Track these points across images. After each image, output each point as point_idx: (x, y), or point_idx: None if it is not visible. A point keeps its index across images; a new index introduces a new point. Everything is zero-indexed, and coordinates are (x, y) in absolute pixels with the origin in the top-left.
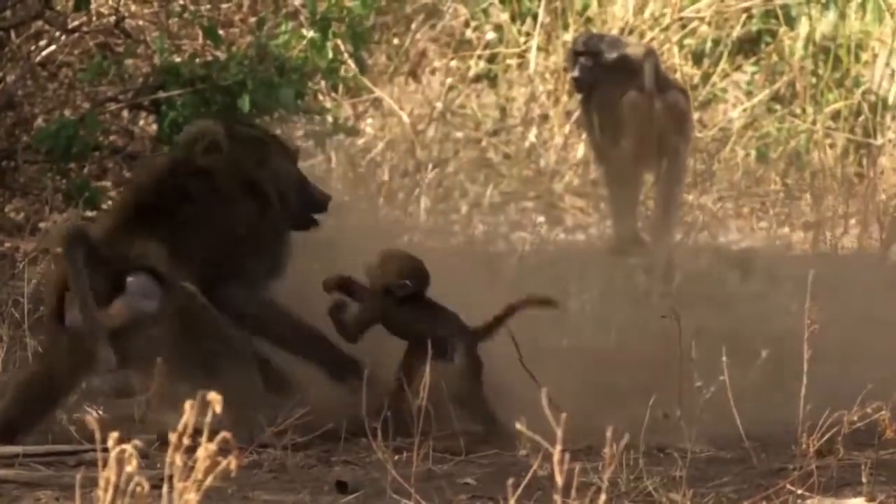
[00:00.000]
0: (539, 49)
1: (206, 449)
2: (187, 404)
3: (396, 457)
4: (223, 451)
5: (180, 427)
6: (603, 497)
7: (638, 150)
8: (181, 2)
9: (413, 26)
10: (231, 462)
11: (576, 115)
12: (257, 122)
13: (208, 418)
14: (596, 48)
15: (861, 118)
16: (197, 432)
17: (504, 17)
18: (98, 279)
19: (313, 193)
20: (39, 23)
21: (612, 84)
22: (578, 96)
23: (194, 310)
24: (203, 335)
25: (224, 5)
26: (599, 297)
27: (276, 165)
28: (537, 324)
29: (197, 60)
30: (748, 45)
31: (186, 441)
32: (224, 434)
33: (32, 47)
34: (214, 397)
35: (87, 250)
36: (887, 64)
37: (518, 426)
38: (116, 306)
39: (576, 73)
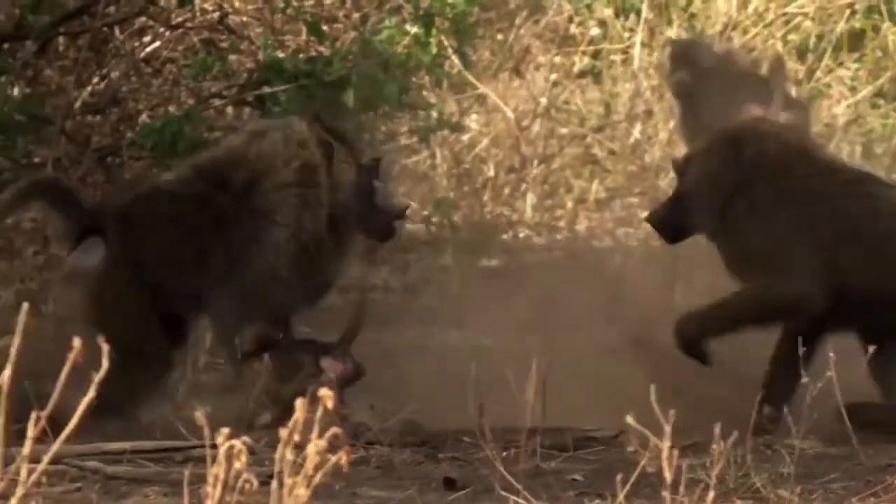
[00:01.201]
0: (643, 45)
1: (316, 445)
2: (298, 401)
3: (504, 454)
4: (332, 447)
5: (291, 423)
6: (711, 494)
7: None
8: None
9: (517, 22)
10: (342, 458)
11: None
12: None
13: (318, 414)
14: (695, 55)
15: None
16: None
17: (608, 12)
18: (71, 226)
19: (385, 203)
20: (143, 19)
21: (718, 93)
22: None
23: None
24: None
25: (327, 1)
26: (705, 294)
27: (336, 174)
28: (645, 320)
29: (300, 56)
30: (852, 41)
31: (296, 437)
32: (335, 430)
33: (136, 43)
34: (325, 394)
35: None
36: None
37: (628, 421)
38: (70, 256)
39: (675, 78)
